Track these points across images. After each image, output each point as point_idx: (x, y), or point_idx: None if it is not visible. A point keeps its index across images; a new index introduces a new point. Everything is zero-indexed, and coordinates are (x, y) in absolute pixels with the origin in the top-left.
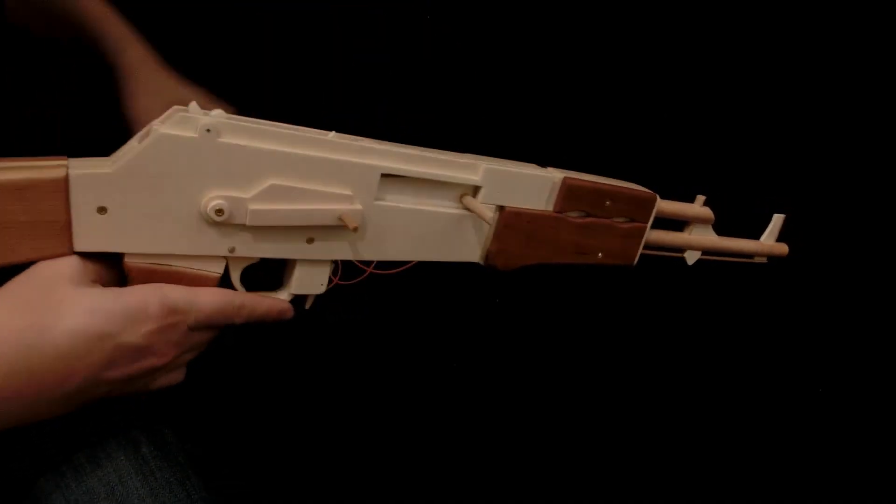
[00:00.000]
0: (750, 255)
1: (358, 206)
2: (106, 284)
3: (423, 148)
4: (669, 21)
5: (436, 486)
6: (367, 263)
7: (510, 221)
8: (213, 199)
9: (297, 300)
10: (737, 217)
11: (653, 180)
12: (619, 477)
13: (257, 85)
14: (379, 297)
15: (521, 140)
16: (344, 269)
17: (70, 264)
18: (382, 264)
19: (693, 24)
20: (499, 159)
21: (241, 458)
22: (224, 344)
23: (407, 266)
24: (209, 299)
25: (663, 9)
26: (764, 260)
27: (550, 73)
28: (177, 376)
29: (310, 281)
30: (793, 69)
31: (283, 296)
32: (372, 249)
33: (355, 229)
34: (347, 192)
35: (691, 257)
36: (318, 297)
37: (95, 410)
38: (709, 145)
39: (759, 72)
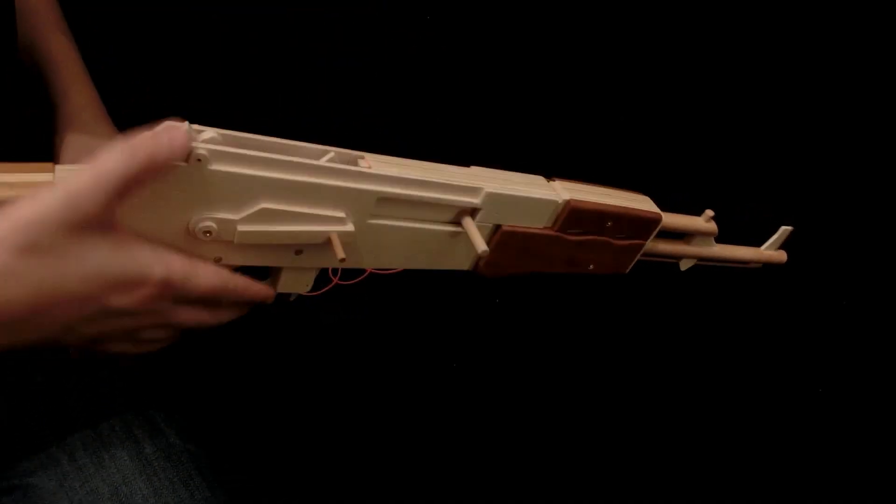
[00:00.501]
0: (746, 262)
1: (350, 228)
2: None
3: (425, 164)
4: (681, 28)
5: (435, 486)
6: None
7: (505, 239)
8: (202, 220)
9: (281, 293)
10: (731, 218)
11: (657, 180)
12: (617, 476)
13: (266, 90)
14: (378, 297)
15: (532, 144)
16: (344, 269)
17: (60, 210)
18: None
19: (705, 31)
20: (506, 172)
21: (244, 457)
22: (225, 344)
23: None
24: (208, 280)
25: (676, 15)
26: (758, 265)
27: (564, 77)
28: (131, 348)
29: (295, 283)
30: (802, 80)
31: None
32: (361, 260)
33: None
34: (340, 214)
35: (686, 263)
36: (318, 297)
37: (97, 410)
38: (711, 148)
39: (769, 79)
